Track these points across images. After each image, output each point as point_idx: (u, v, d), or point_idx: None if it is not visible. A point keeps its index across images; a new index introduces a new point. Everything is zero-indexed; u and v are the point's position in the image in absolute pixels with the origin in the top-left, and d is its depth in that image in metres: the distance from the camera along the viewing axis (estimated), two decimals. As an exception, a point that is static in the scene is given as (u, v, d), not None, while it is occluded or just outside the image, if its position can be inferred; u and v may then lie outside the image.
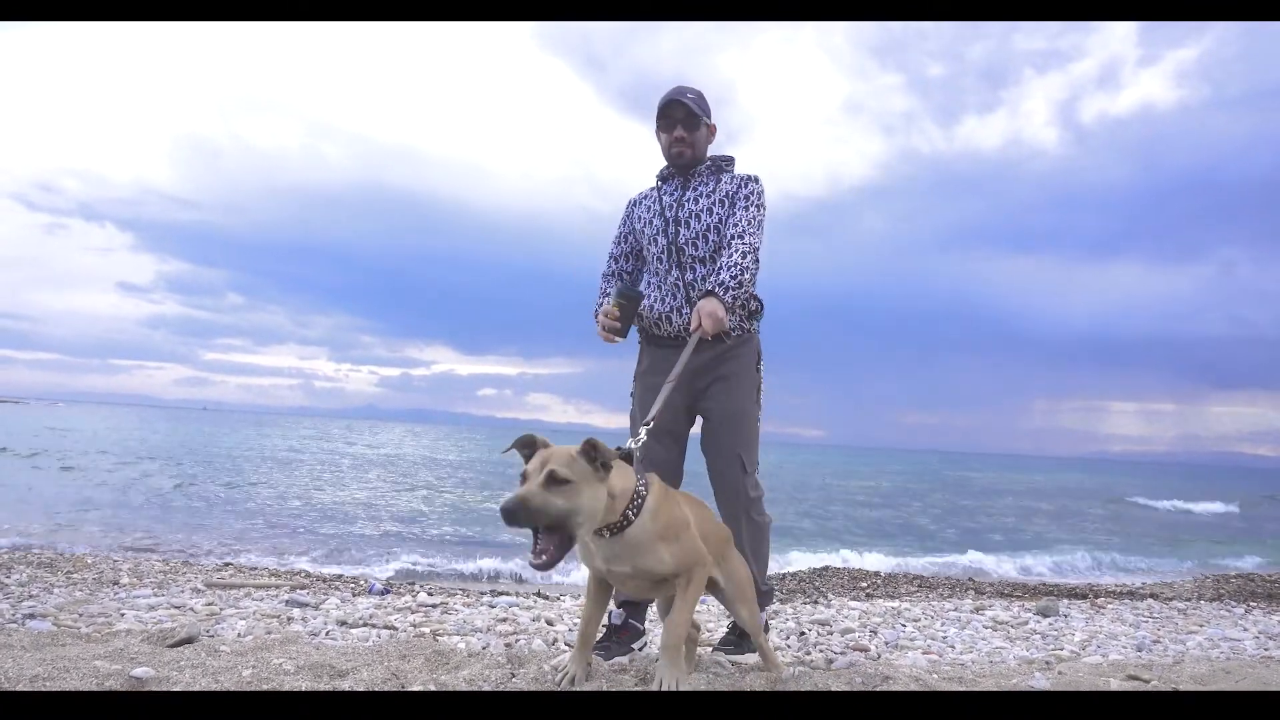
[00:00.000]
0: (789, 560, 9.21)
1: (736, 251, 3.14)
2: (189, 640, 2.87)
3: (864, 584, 7.37)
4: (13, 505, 11.38)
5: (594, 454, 2.13)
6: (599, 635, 3.18)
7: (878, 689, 2.60)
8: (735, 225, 3.22)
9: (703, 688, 2.50)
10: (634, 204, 3.53)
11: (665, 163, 3.45)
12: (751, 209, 3.25)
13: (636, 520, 2.26)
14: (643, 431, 2.64)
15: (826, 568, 8.30)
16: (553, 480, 2.06)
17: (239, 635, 3.55)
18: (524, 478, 2.12)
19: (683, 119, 3.30)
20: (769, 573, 3.52)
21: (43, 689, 2.19)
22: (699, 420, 3.38)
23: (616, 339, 3.26)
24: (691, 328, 3.02)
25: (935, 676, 2.96)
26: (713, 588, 2.68)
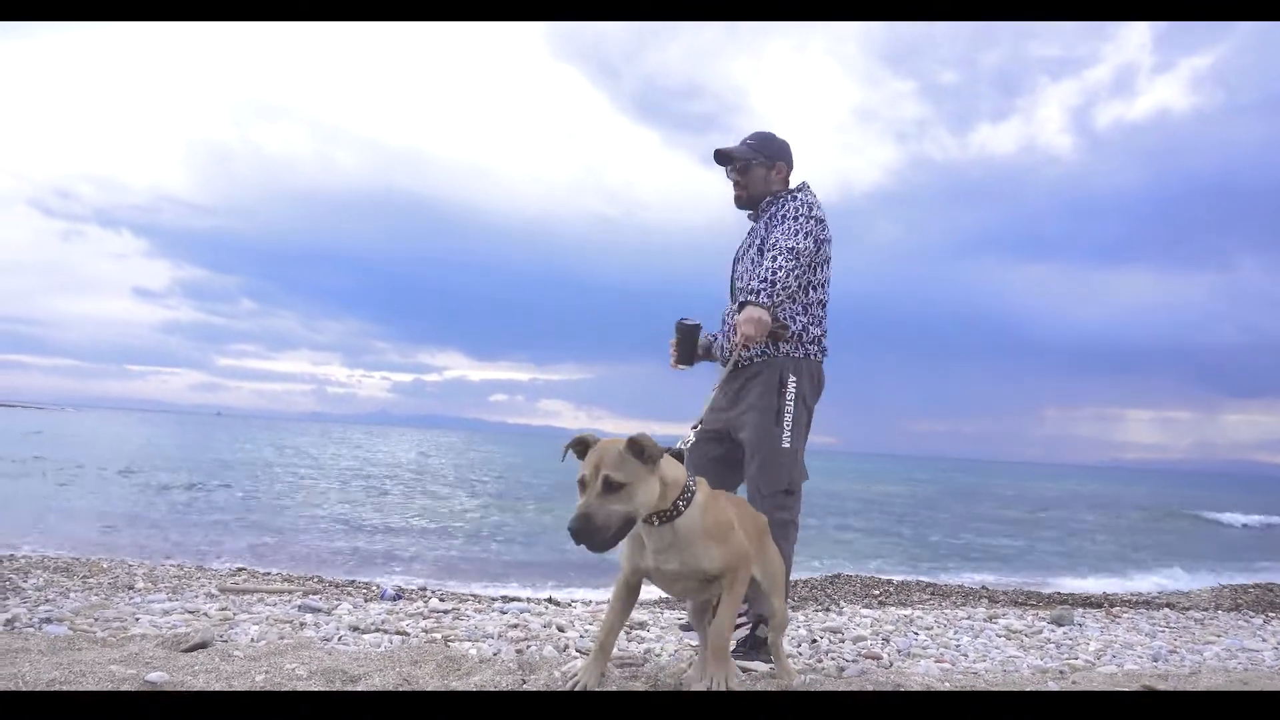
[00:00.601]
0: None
1: (769, 258, 3.27)
2: (203, 645, 2.90)
3: (876, 591, 7.35)
4: (27, 512, 11.49)
5: (640, 449, 2.19)
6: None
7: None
8: (773, 237, 3.35)
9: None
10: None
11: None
12: (789, 220, 3.37)
13: (686, 511, 2.32)
14: (691, 433, 2.80)
15: (839, 575, 8.28)
16: (609, 487, 2.14)
17: (252, 640, 3.58)
18: (581, 484, 2.19)
19: (732, 164, 3.60)
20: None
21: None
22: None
23: (682, 366, 3.57)
24: (732, 343, 3.24)
25: (947, 685, 2.95)
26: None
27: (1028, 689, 2.96)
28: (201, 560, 7.66)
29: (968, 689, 2.97)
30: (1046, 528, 18.66)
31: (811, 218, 3.37)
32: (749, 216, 3.68)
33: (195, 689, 2.31)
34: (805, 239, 3.30)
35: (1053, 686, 2.96)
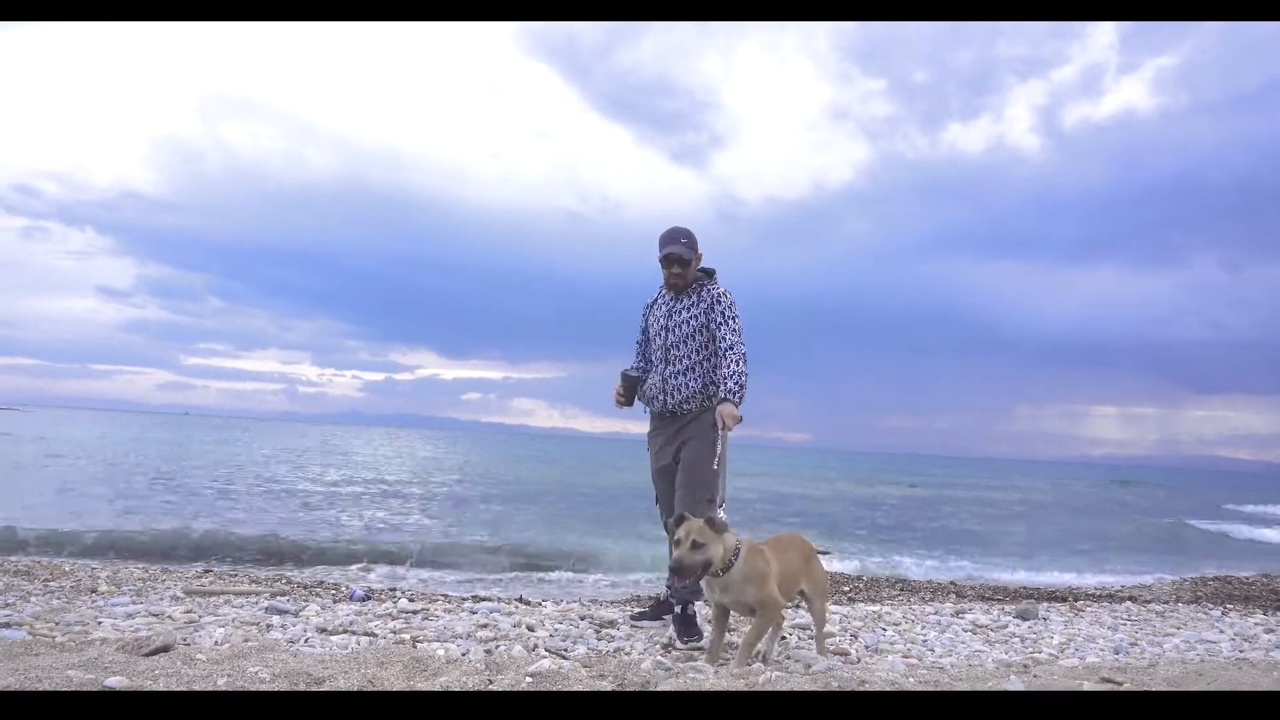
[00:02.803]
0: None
1: (732, 361, 4.30)
2: (165, 649, 2.86)
3: (846, 588, 7.41)
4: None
5: (712, 525, 3.48)
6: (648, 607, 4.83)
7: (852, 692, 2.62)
8: (724, 339, 4.38)
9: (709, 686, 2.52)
10: (649, 307, 4.79)
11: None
12: (731, 320, 4.42)
13: (735, 567, 3.51)
14: (721, 510, 3.93)
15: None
16: (695, 546, 3.42)
17: (216, 643, 3.53)
18: (676, 543, 3.46)
19: (677, 260, 4.46)
20: None
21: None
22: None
23: (626, 407, 4.67)
24: (720, 425, 4.16)
25: (912, 680, 2.99)
26: (800, 594, 3.92)
27: (989, 683, 3.01)
28: (166, 562, 7.54)
29: (932, 684, 3.02)
30: (1014, 523, 18.92)
31: (738, 316, 4.46)
32: (670, 290, 4.61)
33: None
34: (743, 336, 4.41)
35: (1015, 680, 3.01)
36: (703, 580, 3.55)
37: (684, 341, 4.51)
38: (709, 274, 4.62)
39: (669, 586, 4.39)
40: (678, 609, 4.33)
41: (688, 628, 4.26)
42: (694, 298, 4.56)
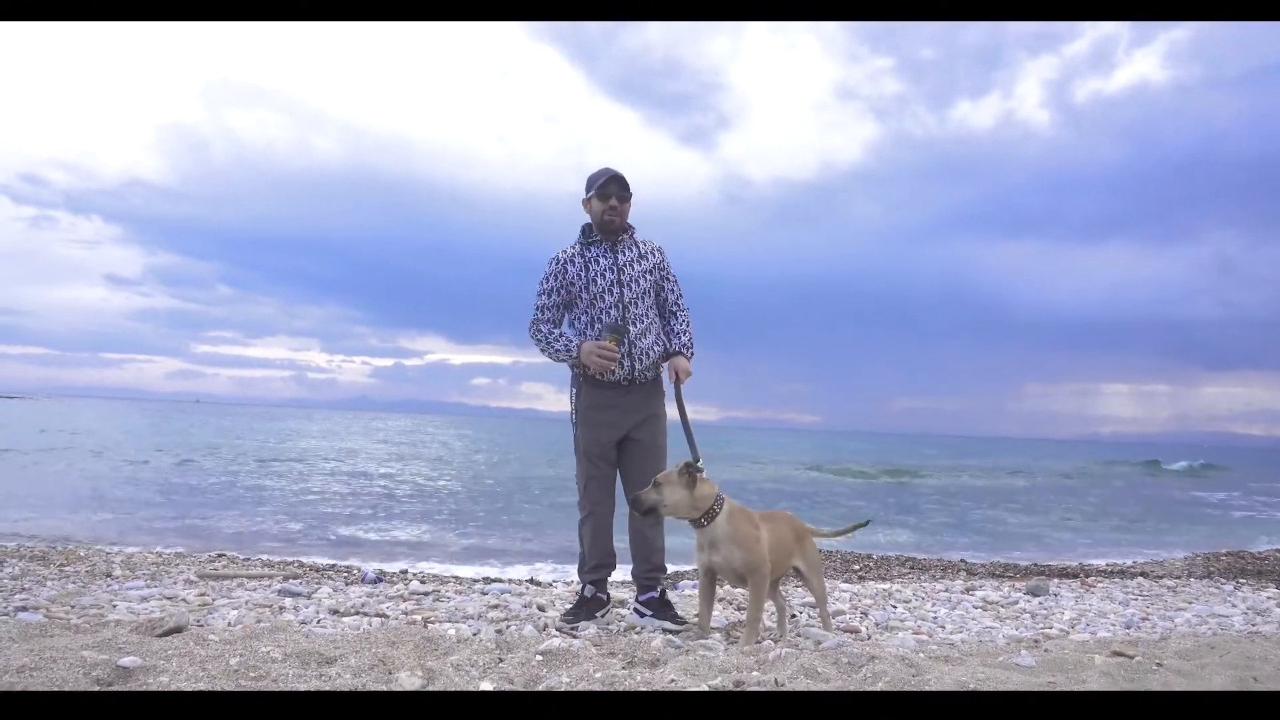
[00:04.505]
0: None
1: (684, 322, 4.20)
2: (178, 629, 2.88)
3: (856, 566, 7.42)
4: (3, 500, 11.37)
5: (683, 470, 3.48)
6: (570, 605, 4.27)
7: (861, 668, 2.62)
8: (676, 299, 4.23)
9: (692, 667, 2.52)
10: (564, 261, 4.13)
11: (591, 225, 4.12)
12: (674, 279, 4.24)
13: (718, 523, 3.49)
14: (700, 464, 3.62)
15: (819, 551, 8.34)
16: (656, 484, 3.50)
17: (229, 624, 3.57)
18: (653, 484, 3.52)
19: (616, 192, 4.01)
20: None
21: (29, 679, 2.20)
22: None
23: (615, 370, 4.00)
24: (673, 379, 4.06)
25: (922, 656, 2.99)
26: (795, 571, 3.87)
27: (1000, 659, 3.01)
28: (181, 546, 7.61)
29: (942, 658, 3.02)
30: (1025, 501, 18.90)
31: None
32: (596, 241, 4.12)
33: (168, 673, 2.30)
34: None
35: (1025, 655, 3.01)
36: (697, 544, 3.54)
37: (641, 298, 4.09)
38: (632, 228, 4.19)
39: (580, 578, 4.23)
40: (586, 592, 4.15)
41: (578, 611, 4.10)
42: (635, 250, 4.13)
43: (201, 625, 3.38)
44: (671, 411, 4.13)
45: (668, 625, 3.93)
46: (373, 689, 2.27)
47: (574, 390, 4.18)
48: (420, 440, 40.74)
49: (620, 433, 4.07)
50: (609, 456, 4.10)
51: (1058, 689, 2.43)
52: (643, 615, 4.05)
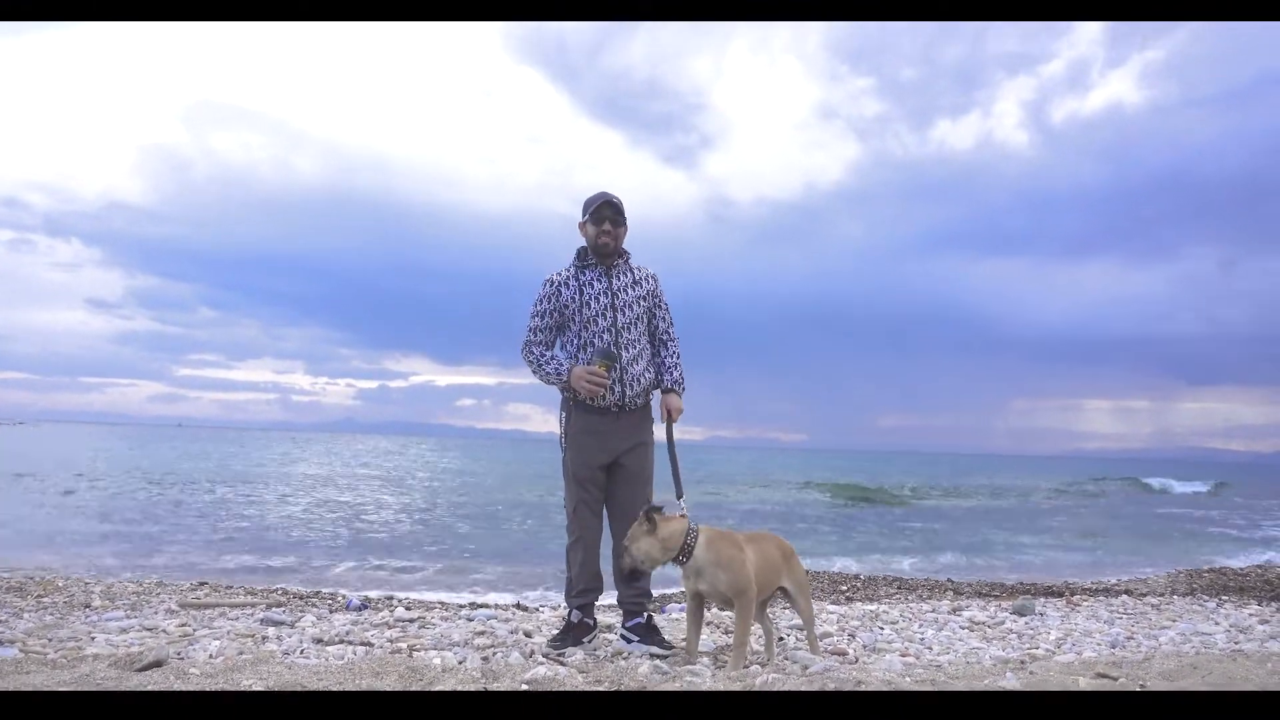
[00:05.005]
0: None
1: (674, 354, 4.23)
2: (157, 664, 2.84)
3: (844, 587, 7.42)
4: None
5: (644, 520, 3.47)
6: (557, 631, 4.23)
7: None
8: (667, 328, 4.25)
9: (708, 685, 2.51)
10: (559, 284, 4.13)
11: (587, 248, 4.13)
12: (666, 307, 4.27)
13: (697, 554, 3.47)
14: (683, 501, 3.77)
15: (806, 572, 8.33)
16: (624, 549, 3.55)
17: (210, 657, 3.51)
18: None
19: (610, 216, 4.03)
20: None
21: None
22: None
23: (604, 396, 3.98)
24: (664, 418, 4.14)
25: (909, 680, 2.99)
26: (783, 592, 3.82)
27: (986, 681, 3.01)
28: (161, 575, 7.51)
29: (929, 682, 3.02)
30: (1011, 519, 18.97)
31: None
32: (591, 265, 4.12)
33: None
34: None
35: (1011, 677, 3.01)
36: (683, 572, 3.53)
37: (634, 324, 4.11)
38: (627, 253, 4.21)
39: (567, 602, 4.17)
40: (573, 617, 4.10)
41: (565, 636, 4.06)
42: (630, 275, 4.15)
43: (182, 658, 3.33)
44: (660, 434, 4.15)
45: (655, 650, 3.92)
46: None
47: (564, 414, 4.17)
48: (404, 463, 40.46)
49: (609, 457, 4.06)
50: (598, 481, 4.09)
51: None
52: (629, 641, 4.03)
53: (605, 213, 4.04)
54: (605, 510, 4.15)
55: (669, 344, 4.23)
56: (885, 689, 2.67)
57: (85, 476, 21.60)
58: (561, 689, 2.80)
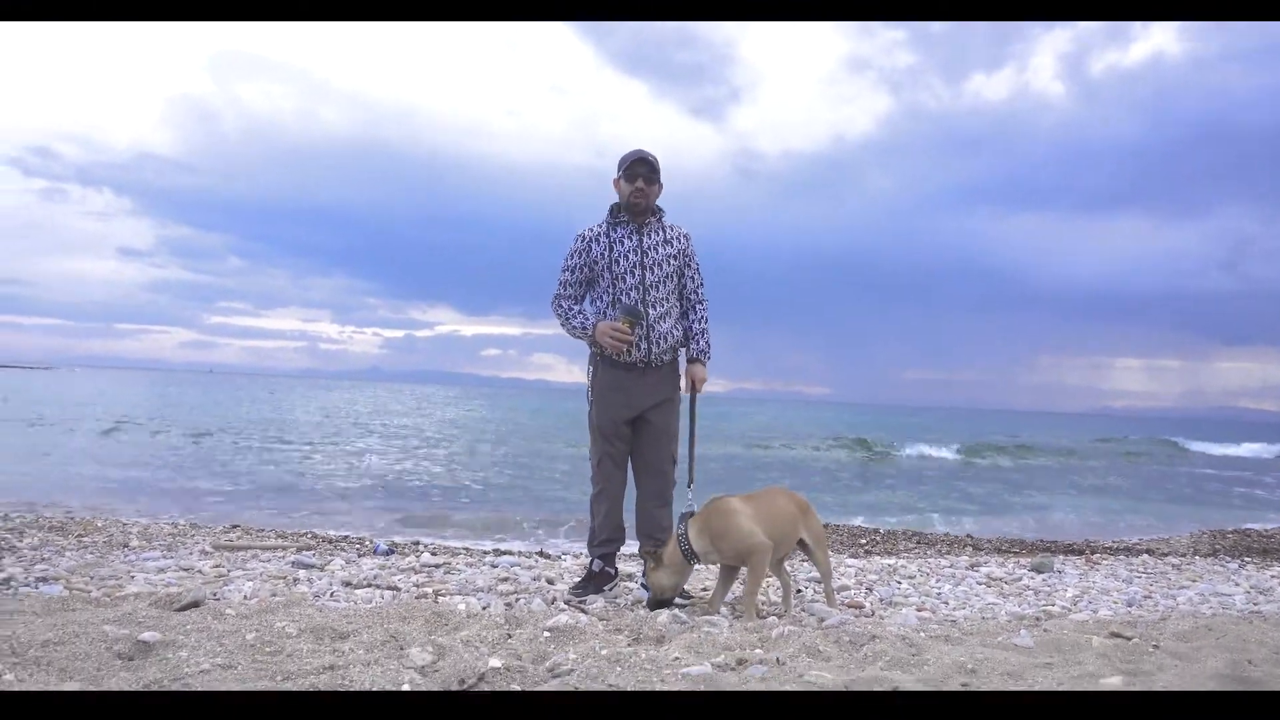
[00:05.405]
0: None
1: (702, 319, 4.26)
2: (195, 604, 2.96)
3: (863, 540, 7.48)
4: (22, 469, 11.56)
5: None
6: (579, 579, 4.37)
7: (862, 646, 2.68)
8: (696, 288, 4.28)
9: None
10: (590, 239, 4.18)
11: (620, 204, 4.16)
12: (697, 268, 4.28)
13: (695, 548, 3.61)
14: (691, 490, 3.98)
15: (825, 525, 8.38)
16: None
17: (245, 597, 3.65)
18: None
19: (644, 174, 4.05)
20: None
21: (54, 653, 2.28)
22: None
23: (629, 352, 4.05)
24: (688, 389, 4.18)
25: (923, 635, 3.05)
26: (801, 545, 3.92)
27: (999, 637, 3.06)
28: (195, 516, 7.74)
29: (943, 637, 3.07)
30: (1035, 476, 18.92)
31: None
32: (623, 221, 4.15)
33: (187, 648, 2.38)
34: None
35: (1024, 634, 3.06)
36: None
37: (663, 283, 4.16)
38: (661, 211, 4.27)
39: (589, 551, 4.32)
40: (595, 566, 4.27)
41: (586, 584, 4.22)
42: (662, 234, 4.19)
43: (218, 599, 3.47)
44: (685, 389, 4.24)
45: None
46: (384, 664, 2.34)
47: (591, 368, 4.25)
48: (430, 411, 41.00)
49: (634, 413, 4.14)
50: (623, 435, 4.17)
51: (1053, 668, 2.48)
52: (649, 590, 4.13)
53: (639, 170, 4.06)
54: (630, 464, 4.25)
55: (697, 306, 4.27)
56: (900, 645, 2.73)
57: (103, 421, 22.15)
58: (582, 636, 2.89)
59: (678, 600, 3.98)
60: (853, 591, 4.70)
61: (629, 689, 2.19)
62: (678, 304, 4.24)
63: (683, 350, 4.29)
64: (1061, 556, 6.62)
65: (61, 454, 13.73)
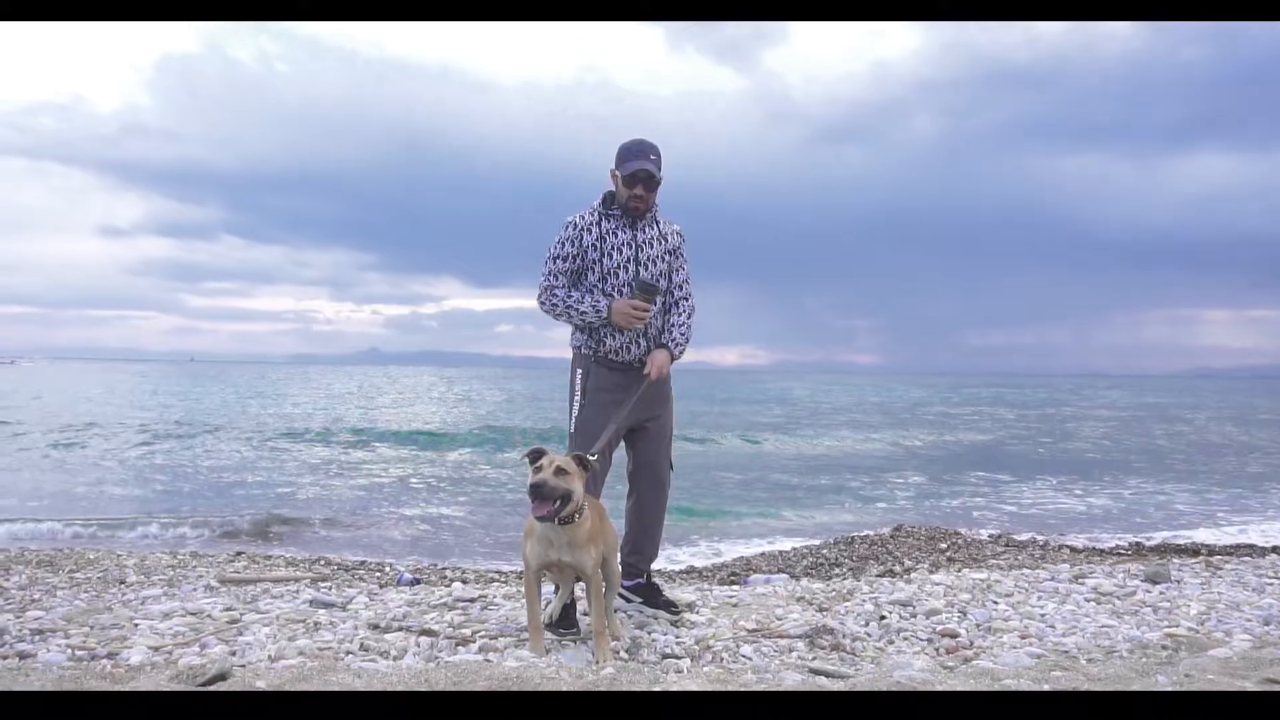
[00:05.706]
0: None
1: (684, 313, 4.45)
2: (221, 677, 2.96)
3: (943, 545, 7.42)
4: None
5: (580, 461, 3.65)
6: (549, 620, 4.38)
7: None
8: (681, 285, 4.48)
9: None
10: (581, 229, 4.31)
11: (614, 198, 4.33)
12: (685, 264, 4.51)
13: (580, 518, 3.63)
14: (597, 454, 3.93)
15: (900, 527, 8.34)
16: (559, 470, 3.53)
17: (270, 657, 3.64)
18: (536, 468, 3.53)
19: (644, 180, 4.20)
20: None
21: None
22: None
23: (645, 330, 4.29)
24: (648, 374, 4.24)
25: (1046, 685, 2.98)
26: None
27: (1134, 684, 2.98)
28: (193, 545, 7.83)
29: (1069, 686, 3.00)
30: (1121, 453, 18.68)
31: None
32: (616, 214, 4.32)
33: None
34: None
35: (1162, 680, 2.98)
36: (542, 537, 3.67)
37: (656, 280, 4.37)
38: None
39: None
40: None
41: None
42: (656, 229, 4.41)
43: (243, 665, 3.46)
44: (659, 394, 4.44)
45: (663, 614, 4.43)
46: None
47: (579, 370, 4.40)
48: (430, 397, 41.22)
49: (628, 420, 4.31)
50: (616, 440, 4.35)
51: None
52: (629, 601, 4.47)
53: (640, 177, 4.21)
54: (628, 471, 4.54)
55: (682, 303, 4.46)
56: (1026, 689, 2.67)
57: (69, 430, 22.45)
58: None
59: (664, 615, 4.41)
60: (944, 615, 4.62)
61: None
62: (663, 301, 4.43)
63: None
64: (1177, 560, 6.51)
65: (42, 469, 13.94)
